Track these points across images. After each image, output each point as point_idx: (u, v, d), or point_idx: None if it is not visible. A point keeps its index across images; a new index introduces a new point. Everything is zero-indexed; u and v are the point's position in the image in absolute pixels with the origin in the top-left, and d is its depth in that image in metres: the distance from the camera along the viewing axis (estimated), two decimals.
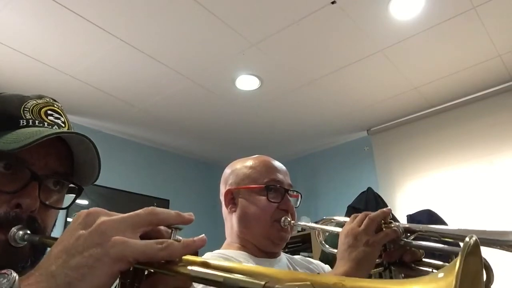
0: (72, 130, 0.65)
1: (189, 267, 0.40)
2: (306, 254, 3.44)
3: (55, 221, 0.67)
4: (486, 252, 0.72)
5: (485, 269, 0.74)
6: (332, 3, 2.33)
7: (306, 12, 2.42)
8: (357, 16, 2.46)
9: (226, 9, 2.38)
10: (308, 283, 0.35)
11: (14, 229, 0.54)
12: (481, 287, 0.38)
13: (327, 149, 4.36)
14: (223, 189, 1.15)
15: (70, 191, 0.69)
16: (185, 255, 0.41)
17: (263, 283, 0.36)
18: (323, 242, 1.13)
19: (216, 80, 3.12)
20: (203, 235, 0.43)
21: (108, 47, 2.67)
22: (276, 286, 0.36)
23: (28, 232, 0.55)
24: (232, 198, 1.11)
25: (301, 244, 3.67)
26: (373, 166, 3.87)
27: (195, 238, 0.42)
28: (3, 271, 0.38)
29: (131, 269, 0.42)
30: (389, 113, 3.70)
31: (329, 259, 1.33)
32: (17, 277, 0.38)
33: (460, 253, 0.31)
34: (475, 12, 2.44)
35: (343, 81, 3.16)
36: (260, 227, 1.05)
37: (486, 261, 0.69)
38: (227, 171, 1.17)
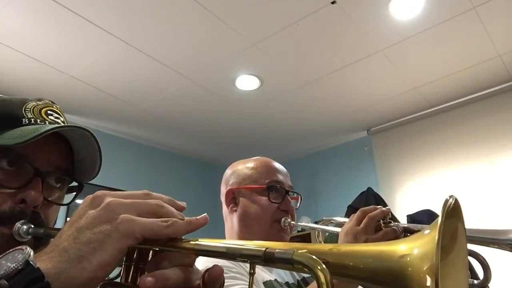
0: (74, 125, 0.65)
1: (193, 242, 0.42)
2: None
3: (56, 219, 0.68)
4: (485, 251, 0.72)
5: (483, 268, 0.75)
6: (332, 3, 2.33)
7: (306, 12, 2.42)
8: (357, 16, 2.46)
9: (226, 9, 2.38)
10: (305, 250, 0.37)
11: (18, 224, 0.56)
12: (461, 240, 0.41)
13: (327, 149, 4.36)
14: (223, 190, 1.15)
15: (69, 190, 0.70)
16: (189, 232, 0.43)
17: (263, 249, 0.38)
18: (323, 242, 1.13)
19: (216, 80, 3.12)
20: (205, 214, 0.45)
21: (108, 47, 2.67)
22: (277, 250, 0.38)
23: (32, 226, 0.56)
24: (233, 198, 1.12)
25: None
26: (373, 166, 3.88)
27: (198, 217, 0.44)
28: (18, 247, 0.40)
29: (135, 251, 0.45)
30: (389, 113, 3.71)
31: None
32: (31, 252, 0.39)
33: (441, 211, 0.35)
34: (475, 12, 2.44)
35: (343, 81, 3.16)
36: (260, 226, 1.06)
37: (485, 260, 0.69)
38: (228, 171, 1.17)
